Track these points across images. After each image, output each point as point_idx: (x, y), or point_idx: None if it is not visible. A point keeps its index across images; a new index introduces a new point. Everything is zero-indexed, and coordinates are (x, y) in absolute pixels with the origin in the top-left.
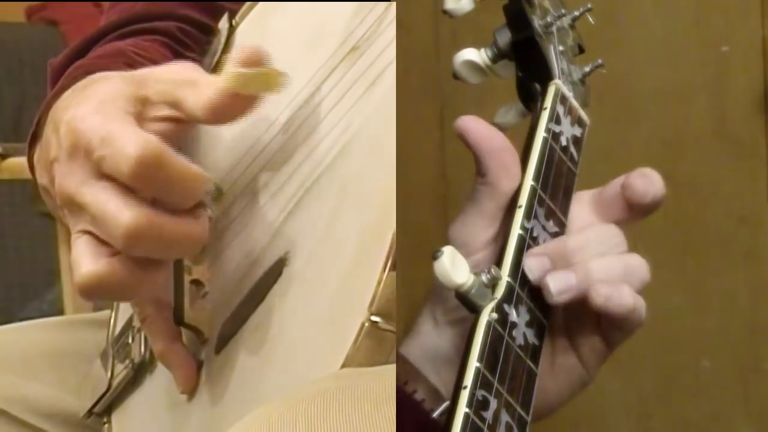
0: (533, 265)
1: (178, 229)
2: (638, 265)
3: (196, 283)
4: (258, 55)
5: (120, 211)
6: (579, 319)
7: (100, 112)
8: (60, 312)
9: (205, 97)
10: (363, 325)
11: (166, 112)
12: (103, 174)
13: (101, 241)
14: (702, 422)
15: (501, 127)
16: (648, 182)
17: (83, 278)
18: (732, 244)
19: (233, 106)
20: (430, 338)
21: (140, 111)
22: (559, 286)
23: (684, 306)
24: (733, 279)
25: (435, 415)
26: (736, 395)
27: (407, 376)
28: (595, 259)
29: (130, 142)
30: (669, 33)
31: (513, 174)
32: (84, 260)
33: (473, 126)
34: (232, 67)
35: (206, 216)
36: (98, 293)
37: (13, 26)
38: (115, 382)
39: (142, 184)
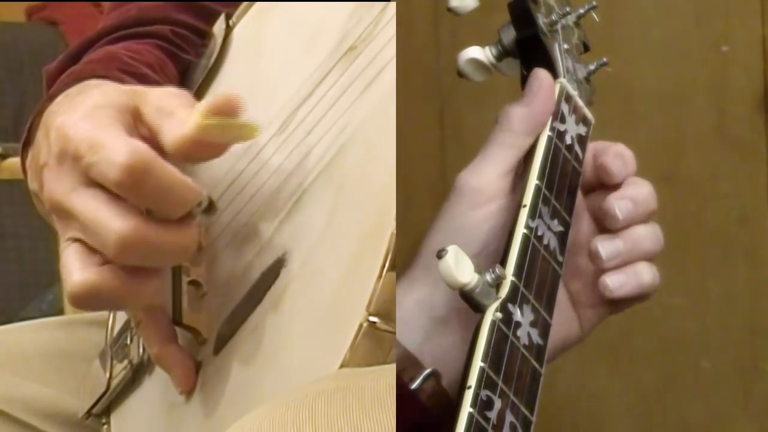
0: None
1: (168, 238)
2: (653, 236)
3: (195, 284)
4: (232, 104)
5: (111, 220)
6: (589, 288)
7: (90, 119)
8: (60, 312)
9: (176, 135)
10: (361, 325)
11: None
12: (92, 181)
13: (91, 250)
14: (702, 422)
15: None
16: (622, 163)
17: (74, 287)
18: (732, 244)
19: (201, 151)
20: (422, 297)
21: (131, 123)
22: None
23: (684, 306)
24: (733, 279)
25: (414, 385)
26: (736, 395)
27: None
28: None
29: (118, 150)
30: (669, 33)
31: (539, 130)
32: (74, 269)
33: (546, 79)
34: (203, 115)
35: (196, 224)
36: (89, 303)
37: (13, 26)
38: (113, 383)
39: (130, 192)
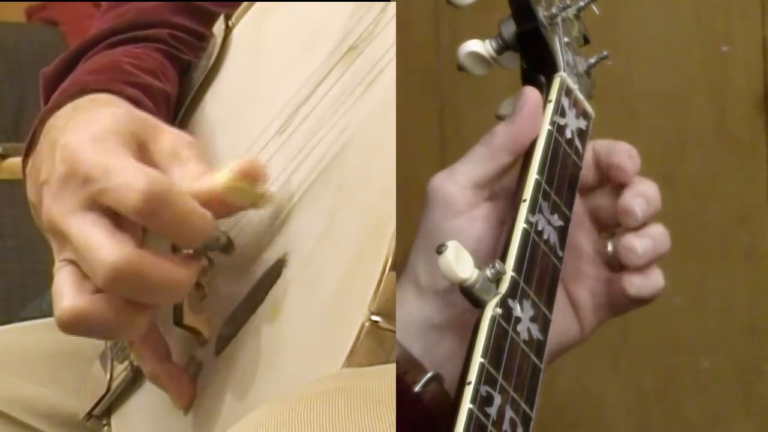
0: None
1: (161, 274)
2: (666, 238)
3: (196, 285)
4: (256, 172)
5: (104, 248)
6: (591, 291)
7: (100, 143)
8: None
9: (200, 186)
10: (363, 324)
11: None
12: (96, 206)
13: (85, 274)
14: (702, 422)
15: (504, 120)
16: (632, 160)
17: (63, 313)
18: (732, 244)
19: (217, 208)
20: (415, 308)
21: (136, 152)
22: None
23: (684, 306)
24: (733, 279)
25: (417, 388)
26: (736, 395)
27: None
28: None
29: (137, 177)
30: (669, 33)
31: (519, 149)
32: (66, 293)
33: (531, 97)
34: (228, 175)
35: (196, 264)
36: (79, 330)
37: (13, 26)
38: (114, 384)
39: (148, 220)
